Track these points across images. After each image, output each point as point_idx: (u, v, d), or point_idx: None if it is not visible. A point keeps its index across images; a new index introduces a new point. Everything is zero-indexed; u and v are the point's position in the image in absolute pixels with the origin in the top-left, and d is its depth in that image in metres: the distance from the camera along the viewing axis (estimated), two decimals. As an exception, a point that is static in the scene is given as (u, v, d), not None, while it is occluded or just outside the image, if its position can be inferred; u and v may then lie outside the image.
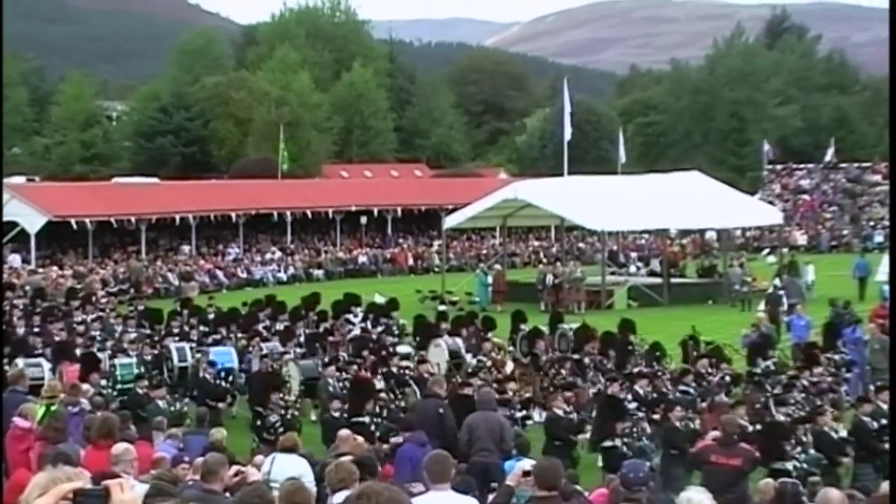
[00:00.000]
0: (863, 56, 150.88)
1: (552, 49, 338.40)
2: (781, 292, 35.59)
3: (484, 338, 26.91)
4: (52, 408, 15.31)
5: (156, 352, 25.50)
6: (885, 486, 12.35)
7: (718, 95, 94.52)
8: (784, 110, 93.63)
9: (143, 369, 23.20)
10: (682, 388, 20.50)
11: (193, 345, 26.21)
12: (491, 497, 11.02)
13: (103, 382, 21.34)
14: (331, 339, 26.83)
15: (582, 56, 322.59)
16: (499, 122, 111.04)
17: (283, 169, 66.05)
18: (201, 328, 28.73)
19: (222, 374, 23.32)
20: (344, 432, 15.55)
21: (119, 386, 22.35)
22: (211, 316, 30.30)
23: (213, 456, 11.03)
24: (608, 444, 17.08)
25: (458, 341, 26.69)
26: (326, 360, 23.99)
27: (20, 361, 22.16)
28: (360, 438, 14.90)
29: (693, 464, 15.00)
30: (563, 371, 23.44)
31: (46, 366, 22.61)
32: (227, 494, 9.98)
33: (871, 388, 22.33)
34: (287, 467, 12.72)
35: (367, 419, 18.22)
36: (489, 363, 24.50)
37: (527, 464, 9.93)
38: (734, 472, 13.94)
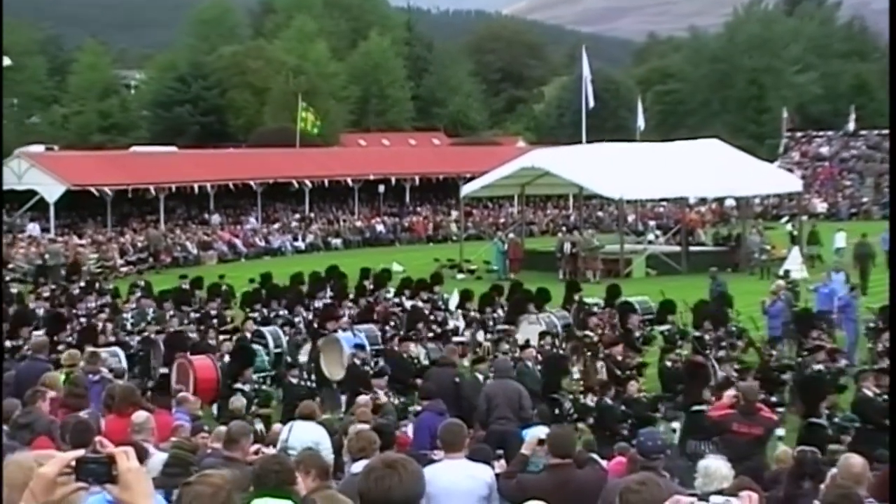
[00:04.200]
0: (883, 23, 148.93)
1: (569, 17, 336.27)
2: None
3: (589, 312, 25.54)
4: (72, 376, 15.38)
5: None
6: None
7: (737, 63, 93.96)
8: (803, 77, 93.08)
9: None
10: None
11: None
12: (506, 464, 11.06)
13: (255, 377, 19.86)
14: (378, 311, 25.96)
15: (600, 24, 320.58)
16: (516, 91, 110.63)
17: (313, 133, 65.77)
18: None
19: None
20: (362, 398, 15.61)
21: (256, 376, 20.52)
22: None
23: (236, 424, 11.07)
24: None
25: (554, 318, 25.35)
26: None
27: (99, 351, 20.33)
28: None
29: (714, 431, 15.00)
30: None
31: (123, 355, 21.18)
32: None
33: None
34: (304, 435, 12.77)
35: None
36: (595, 339, 23.09)
37: (541, 432, 9.95)
38: (754, 440, 13.93)
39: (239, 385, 18.87)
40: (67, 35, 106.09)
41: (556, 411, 17.18)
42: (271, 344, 23.37)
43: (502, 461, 11.48)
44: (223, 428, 12.09)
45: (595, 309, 26.13)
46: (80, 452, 3.78)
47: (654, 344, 23.44)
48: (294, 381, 19.47)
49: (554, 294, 28.13)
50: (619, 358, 20.73)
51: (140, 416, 11.38)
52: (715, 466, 9.57)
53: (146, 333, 23.50)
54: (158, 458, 9.93)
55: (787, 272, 32.04)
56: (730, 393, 14.60)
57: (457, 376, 17.53)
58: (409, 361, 20.94)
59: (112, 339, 23.24)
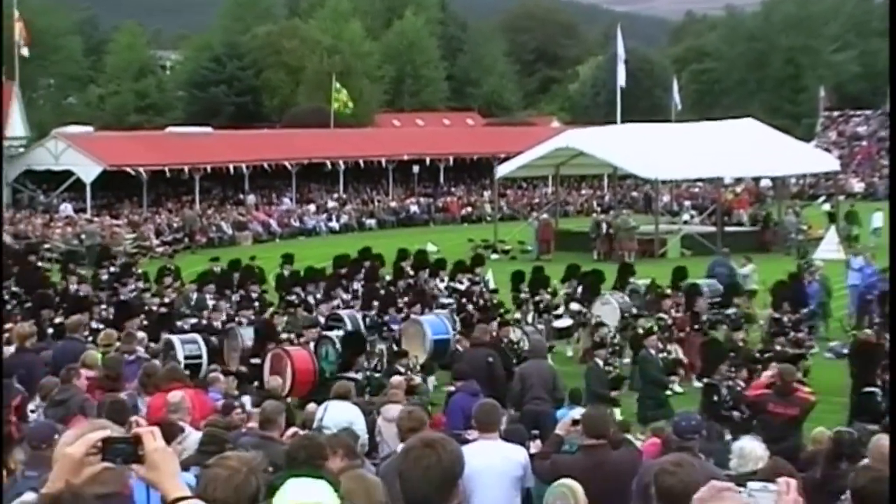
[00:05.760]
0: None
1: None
2: None
3: (662, 294, 24.78)
4: (106, 357, 15.44)
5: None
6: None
7: (774, 42, 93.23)
8: (841, 56, 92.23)
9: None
10: None
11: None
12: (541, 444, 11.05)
13: (365, 364, 19.01)
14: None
15: (635, 3, 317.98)
16: (551, 71, 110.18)
17: (345, 112, 65.70)
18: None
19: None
20: (396, 379, 15.61)
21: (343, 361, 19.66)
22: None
23: (270, 404, 11.13)
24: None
25: (627, 299, 24.64)
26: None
27: (175, 339, 20.03)
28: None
29: (750, 411, 14.91)
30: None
31: (202, 342, 20.26)
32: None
33: None
34: (339, 415, 12.80)
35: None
36: (669, 321, 22.51)
37: (576, 413, 9.94)
38: (790, 421, 13.84)
39: (352, 374, 18.17)
40: (104, 17, 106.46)
41: (715, 398, 16.36)
42: (349, 327, 22.14)
43: (537, 441, 11.48)
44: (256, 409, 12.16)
45: (668, 291, 25.37)
46: (107, 432, 3.79)
47: (719, 328, 23.17)
48: (402, 369, 18.32)
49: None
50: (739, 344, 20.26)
51: (175, 395, 11.42)
52: (750, 447, 9.53)
53: (204, 321, 22.72)
54: (194, 436, 9.99)
55: (809, 261, 31.54)
56: (768, 373, 14.50)
57: (489, 356, 17.47)
58: (511, 347, 20.33)
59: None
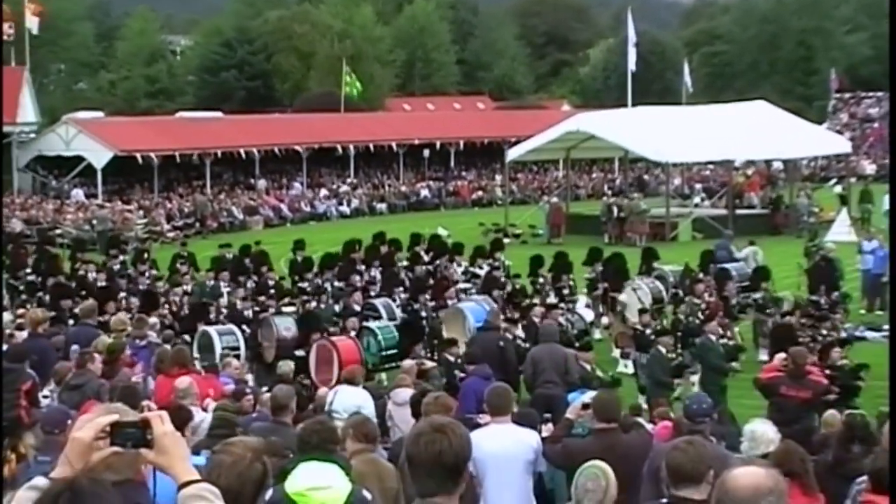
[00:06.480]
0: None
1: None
2: None
3: (695, 279, 24.29)
4: (110, 343, 15.45)
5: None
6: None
7: (786, 24, 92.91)
8: (853, 38, 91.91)
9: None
10: None
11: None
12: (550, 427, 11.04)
13: (422, 353, 18.77)
14: (433, 281, 25.11)
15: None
16: (562, 54, 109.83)
17: (353, 96, 65.64)
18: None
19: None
20: (407, 363, 15.61)
21: (384, 354, 19.95)
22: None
23: (281, 389, 11.13)
24: None
25: (660, 285, 24.28)
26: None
27: (212, 331, 19.79)
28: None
29: (762, 394, 14.89)
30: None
31: (239, 333, 20.04)
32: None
33: None
34: (349, 399, 12.82)
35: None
36: (703, 306, 22.02)
37: (587, 396, 9.92)
38: (803, 404, 13.82)
39: (408, 361, 17.98)
40: (115, 1, 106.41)
41: None
42: (385, 316, 21.88)
43: (549, 425, 11.48)
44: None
45: (700, 276, 24.95)
46: (115, 417, 3.79)
47: (748, 312, 22.96)
48: (451, 358, 17.76)
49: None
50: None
51: (183, 381, 11.42)
52: (761, 430, 9.51)
53: (223, 309, 22.58)
54: (207, 420, 10.01)
55: (819, 243, 31.44)
56: (780, 356, 14.48)
57: (501, 340, 17.44)
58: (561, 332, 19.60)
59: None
